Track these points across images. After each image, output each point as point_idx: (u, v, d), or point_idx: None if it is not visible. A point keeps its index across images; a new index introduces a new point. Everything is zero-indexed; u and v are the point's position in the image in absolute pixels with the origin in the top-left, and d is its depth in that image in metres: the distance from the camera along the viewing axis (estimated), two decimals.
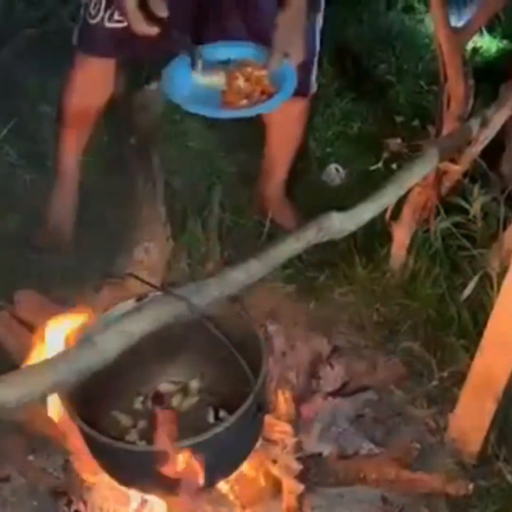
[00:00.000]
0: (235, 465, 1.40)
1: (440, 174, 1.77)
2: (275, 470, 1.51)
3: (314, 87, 2.03)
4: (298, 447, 1.58)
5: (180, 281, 1.59)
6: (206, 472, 1.30)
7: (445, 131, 1.68)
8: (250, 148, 2.29)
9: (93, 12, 1.81)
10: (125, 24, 1.68)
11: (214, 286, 1.12)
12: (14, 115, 2.42)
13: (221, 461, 1.34)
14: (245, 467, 1.46)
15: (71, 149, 2.13)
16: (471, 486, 1.53)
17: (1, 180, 2.27)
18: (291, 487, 1.49)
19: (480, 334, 1.55)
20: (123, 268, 1.88)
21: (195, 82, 1.60)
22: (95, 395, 1.32)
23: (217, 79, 1.60)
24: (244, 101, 1.55)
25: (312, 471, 1.56)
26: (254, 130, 2.19)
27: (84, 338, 0.98)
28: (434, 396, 1.74)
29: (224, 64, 1.62)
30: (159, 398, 1.49)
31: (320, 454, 1.61)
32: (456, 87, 1.61)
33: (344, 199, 2.33)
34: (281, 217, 2.23)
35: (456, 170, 1.73)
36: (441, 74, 1.65)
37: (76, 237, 2.14)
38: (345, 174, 2.44)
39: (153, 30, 1.52)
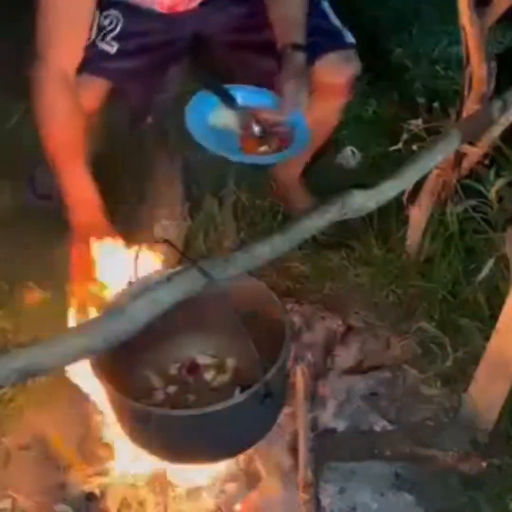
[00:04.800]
0: (245, 444, 1.41)
1: (459, 157, 1.78)
2: None
3: (349, 39, 1.98)
4: (314, 422, 1.60)
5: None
6: (211, 448, 1.33)
7: (465, 113, 1.69)
8: None
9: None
10: (114, 50, 1.79)
11: (240, 259, 1.13)
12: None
13: (226, 439, 1.35)
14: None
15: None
16: (484, 464, 1.55)
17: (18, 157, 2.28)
18: (307, 460, 1.52)
19: (494, 316, 1.57)
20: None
21: (212, 122, 1.65)
22: (133, 351, 1.36)
23: (233, 122, 1.66)
24: (264, 148, 1.60)
25: (327, 446, 1.58)
26: None
27: (114, 306, 0.99)
28: (448, 376, 1.76)
29: (239, 108, 1.68)
30: (193, 368, 1.51)
31: (334, 430, 1.64)
32: (479, 70, 1.62)
33: (360, 182, 2.32)
34: (296, 197, 2.24)
35: (475, 152, 1.74)
36: (463, 56, 1.66)
37: None
38: (361, 156, 2.45)
39: None
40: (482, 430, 1.62)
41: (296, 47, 1.69)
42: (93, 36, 1.78)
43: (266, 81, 1.72)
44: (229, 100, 1.68)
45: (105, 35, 1.80)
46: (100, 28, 1.79)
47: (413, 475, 1.58)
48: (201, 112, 1.65)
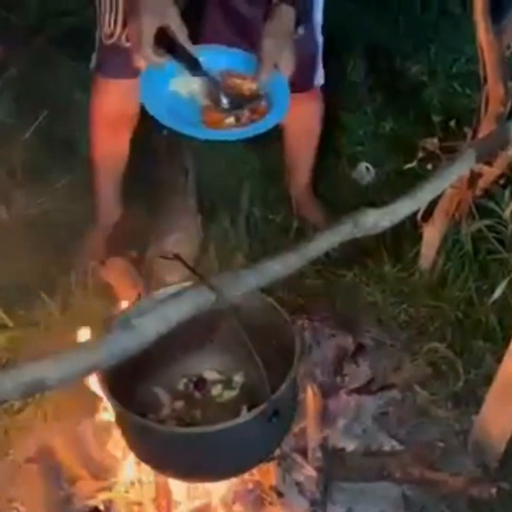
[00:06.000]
0: (251, 463, 1.39)
1: (474, 176, 1.77)
2: None
3: (319, 80, 1.96)
4: (323, 441, 1.59)
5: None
6: (217, 466, 1.32)
7: (482, 133, 1.68)
8: (280, 143, 2.29)
9: (108, 31, 1.70)
10: None
11: (251, 276, 1.12)
12: (48, 102, 2.45)
13: (231, 458, 1.33)
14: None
15: (106, 160, 2.06)
16: (494, 489, 1.53)
17: (34, 166, 2.29)
18: (315, 479, 1.50)
19: (507, 338, 1.55)
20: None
21: (173, 91, 1.41)
22: (141, 366, 1.36)
23: (198, 91, 1.42)
24: (231, 120, 1.36)
25: (336, 466, 1.57)
26: None
27: (123, 321, 0.99)
28: (459, 398, 1.75)
29: (205, 74, 1.41)
30: (201, 383, 1.50)
31: (343, 449, 1.62)
32: (495, 89, 1.61)
33: (373, 198, 2.33)
34: (308, 212, 2.24)
35: (491, 172, 1.73)
36: (481, 75, 1.65)
37: None
38: (375, 173, 2.44)
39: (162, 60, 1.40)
40: (493, 454, 1.60)
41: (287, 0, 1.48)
42: (117, 33, 1.68)
43: (245, 31, 1.52)
44: (194, 66, 1.40)
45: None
46: (125, 23, 1.62)
47: (421, 497, 1.56)
48: (161, 79, 1.39)
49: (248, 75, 1.43)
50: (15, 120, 2.45)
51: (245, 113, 1.38)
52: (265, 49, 1.43)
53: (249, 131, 1.35)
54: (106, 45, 1.74)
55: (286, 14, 1.49)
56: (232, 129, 1.36)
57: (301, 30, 1.57)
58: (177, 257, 1.19)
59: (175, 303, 1.04)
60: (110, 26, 1.70)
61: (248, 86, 1.41)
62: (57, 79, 2.62)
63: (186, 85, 1.42)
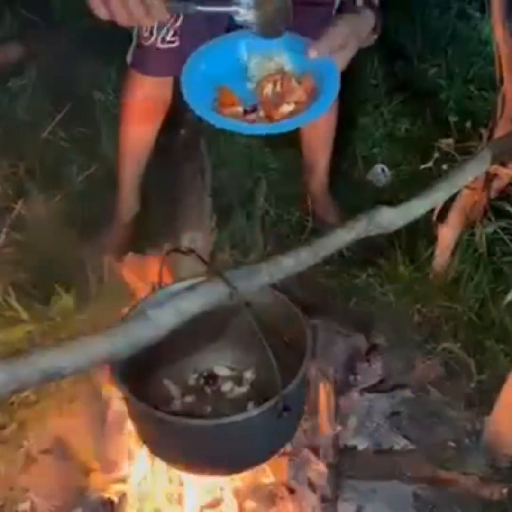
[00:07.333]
0: (261, 458, 1.39)
1: (490, 177, 1.77)
2: None
3: None
4: (334, 439, 1.59)
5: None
6: (226, 460, 1.32)
7: (497, 134, 1.68)
8: (296, 144, 2.30)
9: (145, 34, 1.77)
10: (176, 44, 1.73)
11: (265, 271, 1.13)
12: (68, 100, 2.48)
13: (241, 452, 1.34)
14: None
15: (133, 151, 2.10)
16: (505, 490, 1.53)
17: (52, 163, 2.32)
18: (326, 477, 1.51)
19: None
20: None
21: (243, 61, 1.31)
22: (153, 360, 1.38)
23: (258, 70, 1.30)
24: (237, 109, 1.25)
25: (347, 463, 1.57)
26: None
27: (139, 312, 1.00)
28: (472, 399, 1.75)
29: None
30: (211, 379, 1.51)
31: (355, 447, 1.63)
32: (511, 90, 1.62)
33: (388, 199, 2.32)
34: (324, 212, 2.25)
35: (506, 173, 1.73)
36: (497, 76, 1.65)
37: None
38: (391, 175, 2.44)
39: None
40: (504, 455, 1.60)
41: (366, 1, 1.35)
42: (153, 37, 1.75)
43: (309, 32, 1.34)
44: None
45: (164, 36, 1.74)
46: (159, 28, 1.73)
47: (432, 497, 1.56)
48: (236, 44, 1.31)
49: (312, 83, 1.29)
50: (34, 118, 2.48)
51: (261, 114, 1.26)
52: (327, 31, 1.29)
53: (246, 128, 1.23)
54: (143, 45, 1.80)
55: (366, 17, 1.36)
56: (230, 118, 1.24)
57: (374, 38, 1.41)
58: (192, 251, 1.20)
59: (190, 296, 1.06)
60: (147, 30, 1.77)
61: (297, 95, 1.28)
62: (77, 78, 2.65)
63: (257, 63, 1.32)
